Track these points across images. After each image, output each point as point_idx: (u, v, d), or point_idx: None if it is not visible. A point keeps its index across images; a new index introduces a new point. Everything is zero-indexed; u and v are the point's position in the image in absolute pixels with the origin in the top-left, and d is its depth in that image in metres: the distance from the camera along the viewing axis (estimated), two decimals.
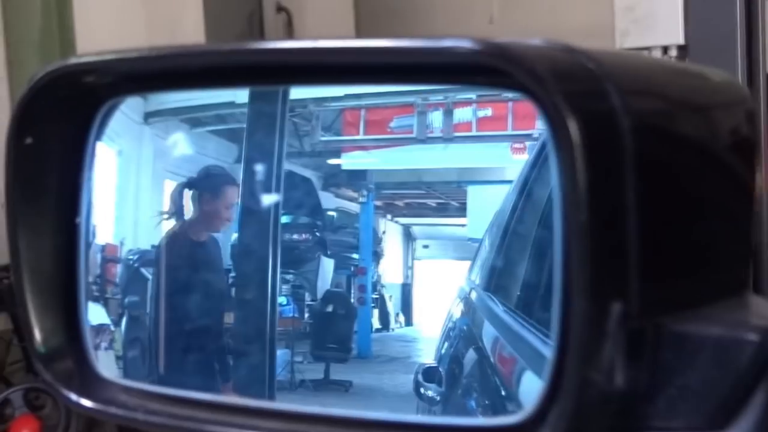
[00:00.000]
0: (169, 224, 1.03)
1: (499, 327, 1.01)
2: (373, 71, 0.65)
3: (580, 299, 0.50)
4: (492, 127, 1.03)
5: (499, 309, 1.02)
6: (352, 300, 1.16)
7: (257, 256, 1.10)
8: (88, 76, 0.71)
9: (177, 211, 0.93)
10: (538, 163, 0.92)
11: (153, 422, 0.68)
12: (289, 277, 1.15)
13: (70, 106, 0.72)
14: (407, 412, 0.99)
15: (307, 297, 1.18)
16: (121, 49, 0.68)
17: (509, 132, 0.97)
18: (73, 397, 0.71)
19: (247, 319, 1.10)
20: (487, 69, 0.58)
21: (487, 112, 1.05)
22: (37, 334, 0.72)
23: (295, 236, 1.17)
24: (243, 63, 0.66)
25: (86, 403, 0.71)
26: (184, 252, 0.97)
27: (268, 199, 1.06)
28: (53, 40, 4.20)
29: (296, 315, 1.17)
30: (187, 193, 0.97)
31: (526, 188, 0.99)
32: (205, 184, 1.00)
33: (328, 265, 1.18)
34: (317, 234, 1.18)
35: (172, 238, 0.98)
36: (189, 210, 0.97)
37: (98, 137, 0.76)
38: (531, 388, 0.78)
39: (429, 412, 0.95)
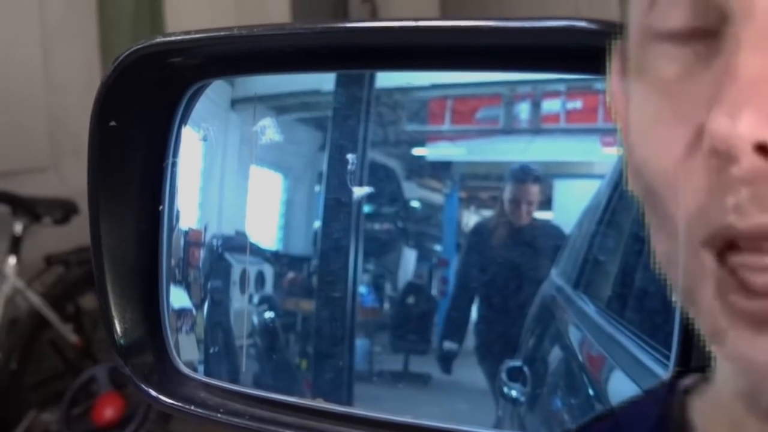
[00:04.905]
0: (258, 210, 1.02)
1: (589, 326, 0.97)
2: (479, 54, 0.61)
3: None
4: (582, 120, 1.00)
5: (589, 308, 0.99)
6: (433, 292, 1.14)
7: (339, 245, 1.09)
8: (174, 56, 0.67)
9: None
10: None
11: (233, 423, 0.66)
12: (370, 266, 1.14)
13: (155, 89, 0.68)
14: (486, 409, 0.97)
15: (388, 287, 1.17)
16: (208, 28, 0.66)
17: (600, 125, 0.94)
18: (153, 393, 0.68)
19: (327, 307, 1.10)
20: (602, 52, 0.52)
21: (577, 104, 1.01)
22: (117, 326, 0.69)
23: (377, 226, 1.16)
24: (340, 43, 0.63)
25: (165, 399, 0.68)
26: None
27: (352, 188, 1.06)
28: (144, 25, 4.29)
29: (376, 305, 1.16)
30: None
31: (622, 183, 0.96)
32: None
33: (409, 256, 1.17)
34: (399, 224, 1.17)
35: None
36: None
37: (183, 122, 0.73)
38: (620, 387, 0.76)
39: (512, 413, 0.93)
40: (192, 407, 0.68)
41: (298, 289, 1.07)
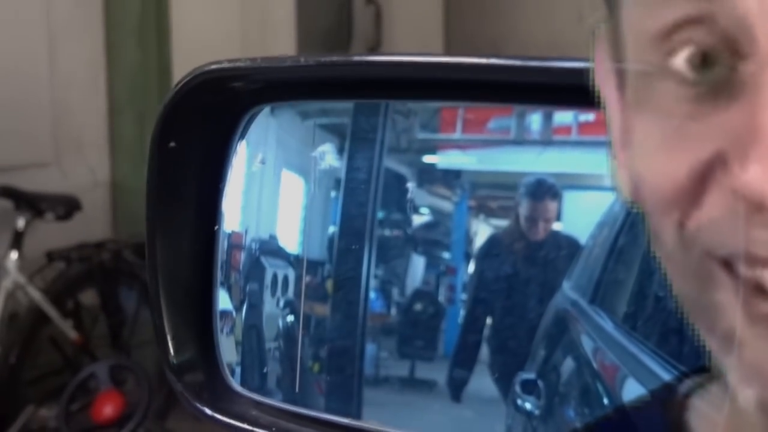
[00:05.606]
0: (291, 213, 1.03)
1: (606, 341, 0.98)
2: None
3: None
4: (593, 132, 1.01)
5: (606, 323, 1.00)
6: (440, 299, 1.15)
7: (353, 250, 1.11)
8: (236, 81, 0.69)
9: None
10: None
11: None
12: (378, 272, 1.15)
13: (214, 112, 0.70)
14: (493, 417, 0.98)
15: (396, 293, 1.18)
16: (272, 56, 0.67)
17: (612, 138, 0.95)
18: (207, 411, 0.69)
19: (340, 311, 1.11)
20: None
21: (589, 117, 1.03)
22: (171, 345, 0.71)
23: (387, 232, 1.17)
24: (405, 76, 0.65)
25: (220, 417, 0.69)
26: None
27: (367, 195, 1.07)
28: (150, 25, 4.30)
29: (384, 311, 1.17)
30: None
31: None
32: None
33: (418, 262, 1.18)
34: (409, 231, 1.18)
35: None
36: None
37: (239, 143, 0.75)
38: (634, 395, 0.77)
39: (526, 425, 0.94)
40: (246, 425, 0.69)
41: (313, 293, 1.08)
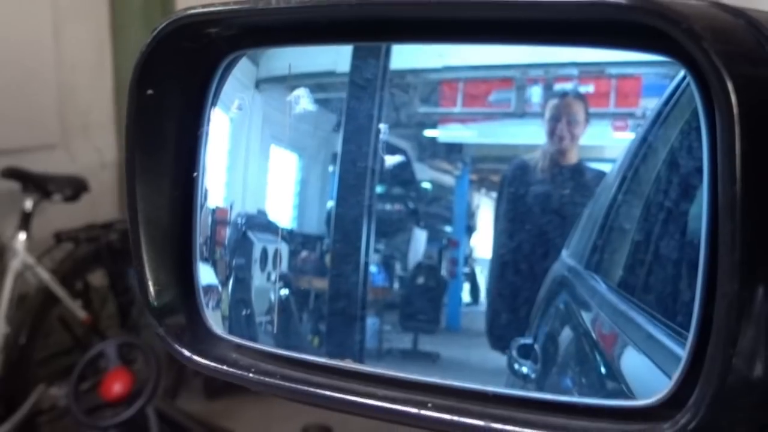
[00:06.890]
0: (276, 189, 1.03)
1: (601, 305, 0.99)
2: (504, 27, 0.59)
3: (727, 282, 0.47)
4: (593, 104, 1.01)
5: (601, 287, 1.01)
6: (442, 272, 1.15)
7: (352, 224, 1.11)
8: (211, 26, 0.68)
9: None
10: (647, 141, 0.90)
11: (265, 383, 0.67)
12: (380, 246, 1.15)
13: (191, 59, 0.70)
14: (495, 387, 0.99)
15: (398, 267, 1.18)
16: (244, 0, 0.67)
17: (611, 110, 0.94)
18: (186, 353, 0.70)
19: (340, 285, 1.11)
20: (632, 27, 0.51)
21: (589, 88, 1.02)
22: (151, 288, 0.71)
23: (388, 206, 1.17)
24: (381, 15, 0.63)
25: (198, 359, 0.69)
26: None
27: (364, 169, 1.07)
28: (155, 6, 4.30)
29: (386, 284, 1.18)
30: None
31: (633, 167, 0.96)
32: None
33: (420, 236, 1.18)
34: (410, 205, 1.18)
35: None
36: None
37: (217, 93, 0.75)
38: (633, 364, 0.77)
39: (523, 390, 0.94)
40: (225, 367, 0.70)
41: (311, 268, 1.09)
